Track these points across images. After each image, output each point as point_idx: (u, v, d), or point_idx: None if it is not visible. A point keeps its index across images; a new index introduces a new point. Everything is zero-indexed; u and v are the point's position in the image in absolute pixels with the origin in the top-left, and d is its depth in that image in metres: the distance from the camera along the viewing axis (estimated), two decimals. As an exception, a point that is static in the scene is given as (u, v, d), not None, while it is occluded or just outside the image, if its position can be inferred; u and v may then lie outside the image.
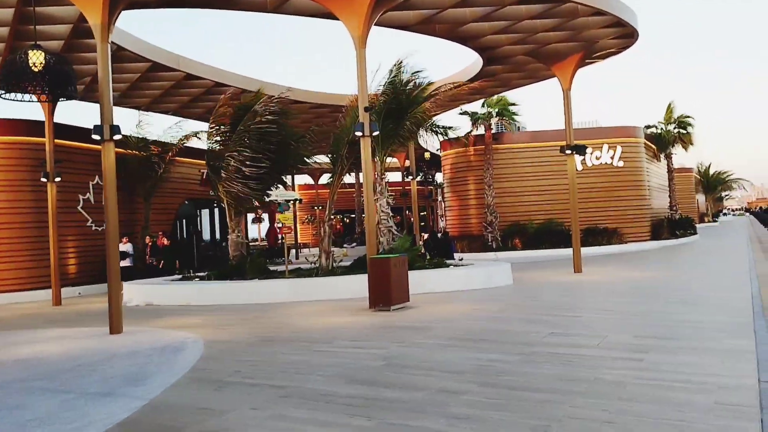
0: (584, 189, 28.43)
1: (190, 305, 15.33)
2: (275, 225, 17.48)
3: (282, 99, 18.40)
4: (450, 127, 24.38)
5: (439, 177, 39.41)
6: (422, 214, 50.21)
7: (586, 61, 19.28)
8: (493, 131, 29.38)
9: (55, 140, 20.60)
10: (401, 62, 17.16)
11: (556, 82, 19.48)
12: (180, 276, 18.76)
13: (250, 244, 42.48)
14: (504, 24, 16.84)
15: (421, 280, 15.39)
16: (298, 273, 17.52)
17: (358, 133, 13.07)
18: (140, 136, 22.74)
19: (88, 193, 21.78)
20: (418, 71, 17.61)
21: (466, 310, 12.07)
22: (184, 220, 28.43)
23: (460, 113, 29.07)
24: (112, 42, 16.59)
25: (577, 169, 28.80)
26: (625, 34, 18.05)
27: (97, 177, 22.11)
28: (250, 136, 17.98)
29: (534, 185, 29.58)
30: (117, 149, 22.93)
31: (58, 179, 17.89)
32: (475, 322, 10.48)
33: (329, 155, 19.00)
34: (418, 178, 32.61)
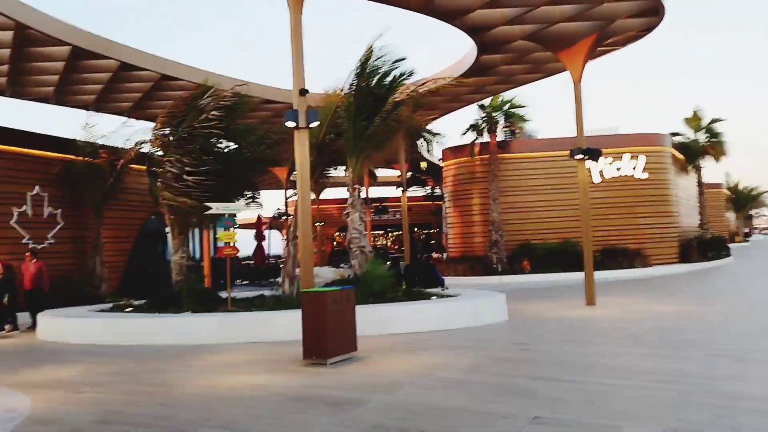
0: (603, 204, 25.05)
1: (99, 344, 12.27)
2: (223, 244, 14.25)
3: (235, 95, 15.35)
4: (437, 133, 21.19)
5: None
6: (431, 232, 46.96)
7: (599, 49, 15.95)
8: (499, 138, 26.07)
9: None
10: (371, 46, 13.98)
11: (570, 81, 16.26)
12: (111, 306, 15.69)
13: (243, 262, 39.57)
14: (496, -7, 13.61)
15: (388, 318, 12.19)
16: (247, 304, 14.30)
17: (290, 124, 9.93)
18: (87, 140, 19.79)
19: (24, 206, 18.89)
20: (399, 60, 14.37)
21: (428, 366, 8.78)
22: (155, 239, 25.41)
23: (467, 128, 25.66)
24: (14, 18, 13.83)
25: (593, 182, 25.54)
26: (649, 10, 14.70)
27: (36, 187, 19.32)
28: (193, 138, 15.00)
29: (546, 200, 26.20)
30: (61, 155, 20.82)
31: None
32: (429, 393, 7.19)
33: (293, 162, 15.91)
34: (416, 191, 29.32)
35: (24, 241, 18.72)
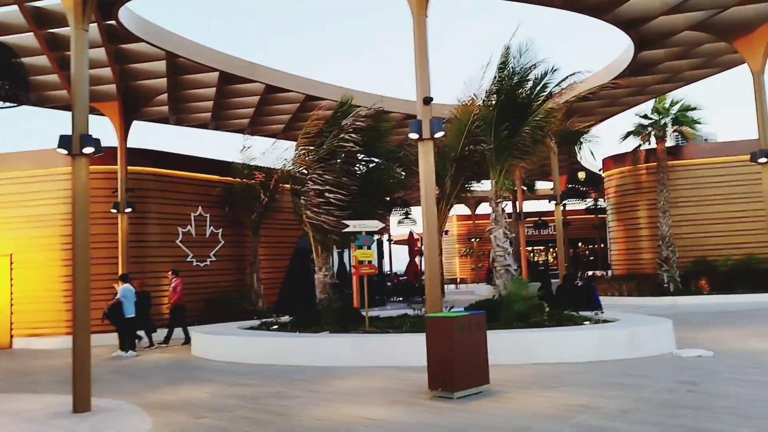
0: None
1: (240, 363, 12.43)
2: (358, 262, 13.99)
3: (371, 112, 15.13)
4: (585, 138, 19.38)
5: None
6: (595, 247, 44.07)
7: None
8: (667, 144, 23.56)
9: (155, 169, 19.38)
10: (508, 46, 12.99)
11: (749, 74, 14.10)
12: (259, 323, 16.02)
13: (400, 278, 39.68)
14: (652, -19, 12.04)
15: (530, 345, 11.05)
16: (386, 325, 13.82)
17: (413, 136, 9.30)
18: (244, 162, 20.71)
19: (188, 226, 20.13)
20: (535, 63, 13.28)
21: (567, 407, 7.61)
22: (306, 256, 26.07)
23: (625, 134, 23.52)
24: (165, 49, 14.65)
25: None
26: None
27: (200, 208, 20.55)
28: (333, 156, 14.98)
29: (724, 211, 23.22)
30: (220, 177, 21.98)
31: (128, 210, 16.11)
32: (562, 443, 6.11)
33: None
34: (576, 204, 27.36)
35: (188, 259, 19.96)
